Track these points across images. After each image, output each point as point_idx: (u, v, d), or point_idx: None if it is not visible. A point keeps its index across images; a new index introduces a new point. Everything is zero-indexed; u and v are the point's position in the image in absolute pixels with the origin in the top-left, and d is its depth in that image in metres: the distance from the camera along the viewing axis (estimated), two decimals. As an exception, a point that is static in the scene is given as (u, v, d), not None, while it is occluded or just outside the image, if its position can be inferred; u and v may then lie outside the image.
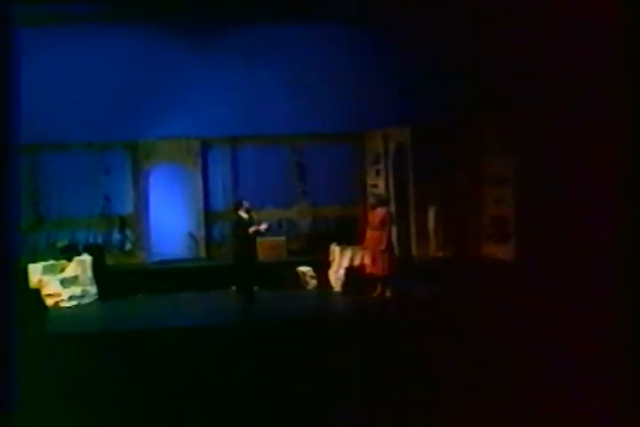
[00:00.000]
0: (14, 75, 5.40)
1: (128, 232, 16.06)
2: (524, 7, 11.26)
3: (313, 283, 14.68)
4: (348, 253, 14.15)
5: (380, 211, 13.24)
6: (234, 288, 13.76)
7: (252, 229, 13.31)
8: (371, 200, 14.21)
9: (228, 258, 14.69)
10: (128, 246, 16.06)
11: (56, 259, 14.19)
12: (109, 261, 15.06)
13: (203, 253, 16.22)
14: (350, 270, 13.89)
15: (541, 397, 7.24)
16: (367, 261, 13.28)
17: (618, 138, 6.83)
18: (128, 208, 16.06)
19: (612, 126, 6.98)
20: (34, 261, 13.70)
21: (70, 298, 13.47)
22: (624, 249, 6.97)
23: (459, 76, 14.75)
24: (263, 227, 13.55)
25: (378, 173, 16.37)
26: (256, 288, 13.50)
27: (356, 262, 13.92)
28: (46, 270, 13.58)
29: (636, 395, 6.43)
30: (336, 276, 14.23)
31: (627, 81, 6.65)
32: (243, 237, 13.37)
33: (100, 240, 15.82)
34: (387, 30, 15.55)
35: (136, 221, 16.02)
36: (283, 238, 16.08)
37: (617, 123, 6.86)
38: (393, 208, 15.04)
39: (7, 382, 5.19)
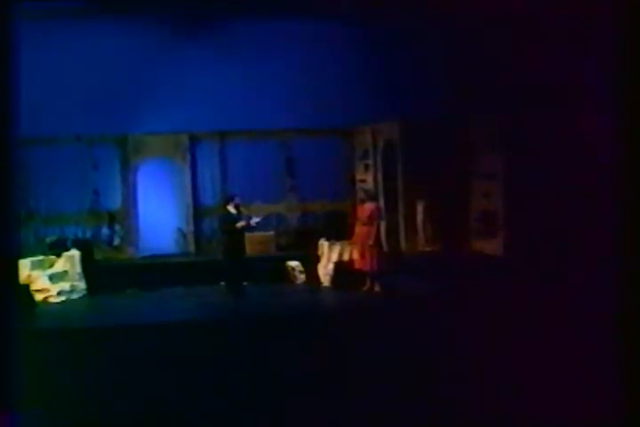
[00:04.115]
0: (14, 69, 5.38)
1: (117, 227, 16.05)
2: (522, 7, 11.31)
3: (302, 278, 14.69)
4: (336, 248, 14.17)
5: (369, 206, 13.25)
6: (223, 283, 13.76)
7: (239, 224, 13.28)
8: (359, 195, 14.23)
9: (216, 253, 14.69)
10: (117, 241, 16.04)
11: (45, 254, 14.16)
12: (98, 256, 15.04)
13: (192, 248, 16.23)
14: (339, 265, 13.91)
15: (535, 394, 7.27)
16: (356, 256, 13.29)
17: (604, 135, 6.88)
18: (117, 203, 16.05)
19: (599, 123, 7.03)
20: (22, 257, 13.65)
21: (59, 293, 13.45)
22: (610, 243, 7.01)
23: (449, 73, 14.80)
24: (254, 221, 13.55)
25: (366, 168, 16.40)
26: (245, 283, 13.50)
27: (345, 257, 13.94)
28: (35, 266, 13.54)
29: (635, 394, 6.46)
30: (325, 271, 14.24)
31: (619, 79, 6.70)
32: (231, 233, 13.36)
33: (88, 235, 15.80)
34: (377, 27, 15.56)
35: (125, 216, 16.01)
36: (271, 233, 16.09)
37: (604, 120, 6.91)
38: (382, 203, 15.09)
39: (7, 383, 5.20)
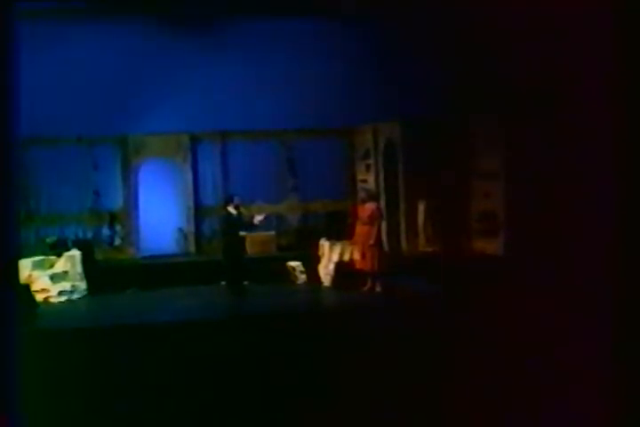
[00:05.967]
0: (14, 69, 5.38)
1: (117, 227, 16.06)
2: (522, 8, 11.29)
3: (302, 278, 14.70)
4: (337, 248, 14.18)
5: (370, 206, 13.26)
6: (223, 283, 13.77)
7: (257, 220, 13.36)
8: (360, 195, 14.23)
9: (217, 253, 14.69)
10: (117, 242, 16.06)
11: (45, 254, 14.17)
12: (99, 256, 15.06)
13: (192, 249, 16.24)
14: (340, 265, 13.92)
15: (535, 393, 7.27)
16: (357, 256, 13.30)
17: (605, 135, 6.88)
18: (117, 203, 16.06)
19: (599, 123, 7.03)
20: (23, 257, 13.64)
21: (60, 293, 13.46)
22: (611, 243, 7.01)
23: (450, 73, 14.79)
24: (258, 219, 13.56)
25: (367, 167, 16.41)
26: (246, 283, 13.51)
27: (346, 257, 13.94)
28: (36, 266, 13.56)
29: (635, 394, 6.46)
30: (326, 271, 14.25)
31: (617, 79, 6.70)
32: (231, 233, 13.38)
33: (89, 235, 15.82)
34: (377, 27, 15.57)
35: (125, 217, 16.02)
36: (272, 233, 16.10)
37: (605, 119, 6.91)
38: (382, 203, 15.09)
39: (7, 383, 5.20)
